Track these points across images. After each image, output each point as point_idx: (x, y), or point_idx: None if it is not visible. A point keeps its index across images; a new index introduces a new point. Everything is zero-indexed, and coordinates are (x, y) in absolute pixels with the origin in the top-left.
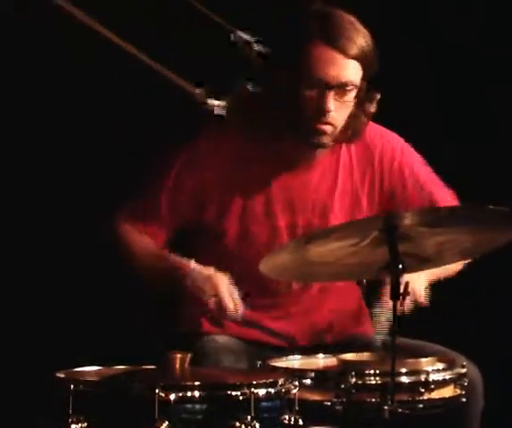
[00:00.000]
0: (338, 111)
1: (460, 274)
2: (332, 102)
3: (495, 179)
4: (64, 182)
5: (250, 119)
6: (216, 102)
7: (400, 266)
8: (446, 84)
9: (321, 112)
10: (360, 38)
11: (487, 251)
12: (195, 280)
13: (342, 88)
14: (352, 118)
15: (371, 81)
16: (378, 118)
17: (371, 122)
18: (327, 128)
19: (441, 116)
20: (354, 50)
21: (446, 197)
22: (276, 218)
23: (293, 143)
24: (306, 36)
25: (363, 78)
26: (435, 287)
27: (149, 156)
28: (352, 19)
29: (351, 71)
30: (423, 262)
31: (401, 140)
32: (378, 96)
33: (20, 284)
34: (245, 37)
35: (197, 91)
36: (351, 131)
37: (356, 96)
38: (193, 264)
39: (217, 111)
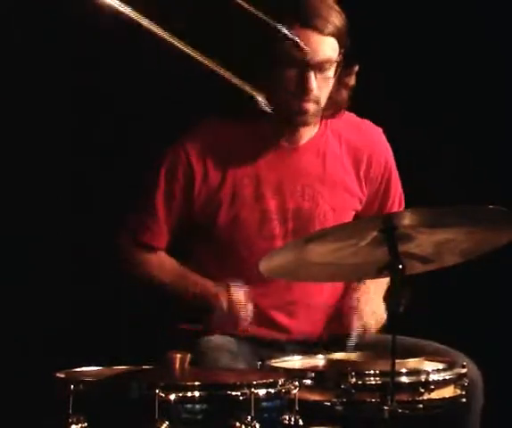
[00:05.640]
0: (320, 88)
1: (460, 274)
2: (313, 81)
3: (494, 179)
4: (66, 181)
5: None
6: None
7: (400, 266)
8: (446, 83)
9: (304, 91)
10: (334, 16)
11: (487, 251)
12: (222, 310)
13: (321, 66)
14: (334, 93)
15: (348, 55)
16: (381, 117)
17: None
18: (311, 107)
19: (442, 116)
20: (329, 28)
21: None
22: (265, 201)
23: (278, 124)
24: (279, 20)
25: (340, 53)
26: (435, 287)
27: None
28: None
29: (328, 48)
30: (423, 262)
31: (386, 141)
32: (356, 68)
33: (21, 285)
34: None
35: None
36: (334, 106)
37: (335, 72)
38: (213, 288)
39: (263, 107)
